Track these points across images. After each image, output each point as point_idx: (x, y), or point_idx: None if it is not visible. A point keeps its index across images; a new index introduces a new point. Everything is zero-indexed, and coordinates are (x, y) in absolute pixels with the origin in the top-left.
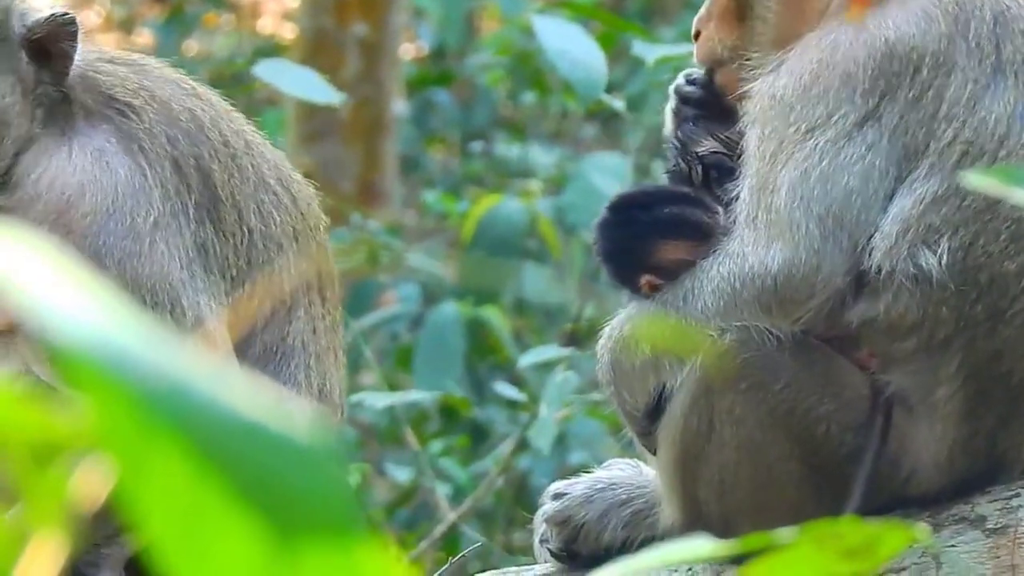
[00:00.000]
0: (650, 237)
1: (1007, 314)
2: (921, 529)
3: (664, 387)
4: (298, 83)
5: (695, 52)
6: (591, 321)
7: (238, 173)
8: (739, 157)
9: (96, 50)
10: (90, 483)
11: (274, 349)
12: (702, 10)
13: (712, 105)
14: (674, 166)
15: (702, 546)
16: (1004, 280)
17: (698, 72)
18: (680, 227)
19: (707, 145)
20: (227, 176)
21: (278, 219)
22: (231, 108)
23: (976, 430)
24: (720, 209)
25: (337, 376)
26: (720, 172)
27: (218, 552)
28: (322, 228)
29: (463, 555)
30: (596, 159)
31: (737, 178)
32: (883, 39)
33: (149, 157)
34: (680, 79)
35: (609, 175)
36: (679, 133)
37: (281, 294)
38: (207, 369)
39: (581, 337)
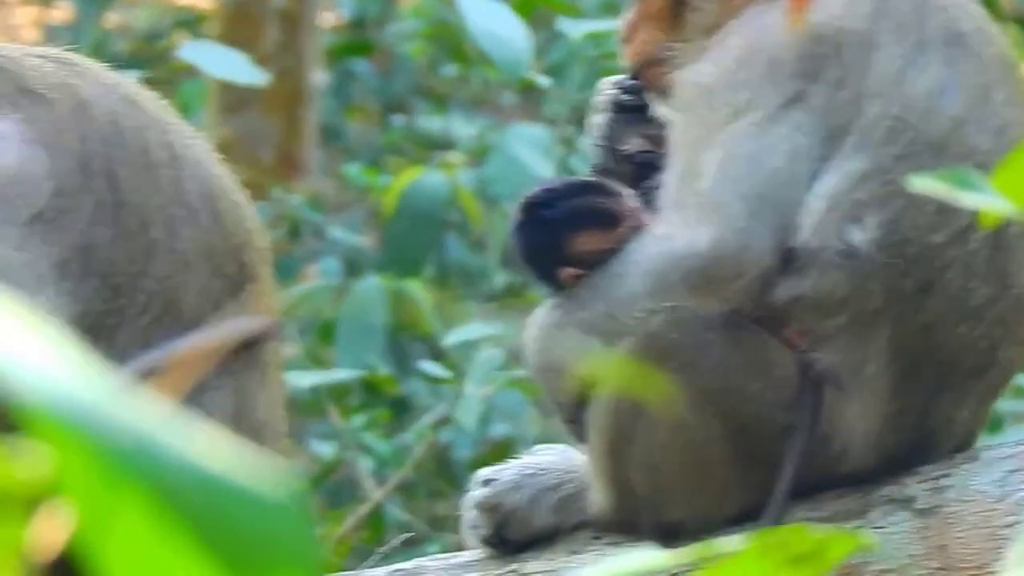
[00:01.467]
0: (561, 232)
1: (935, 286)
2: (869, 536)
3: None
4: (222, 64)
5: (626, 56)
6: (514, 291)
7: (150, 184)
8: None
9: (28, 48)
10: (49, 532)
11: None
12: (629, 12)
13: (645, 106)
14: (601, 165)
15: (651, 557)
16: (932, 252)
17: (631, 80)
18: (588, 217)
19: (636, 144)
20: (137, 184)
21: (188, 235)
22: (176, 121)
23: (906, 405)
24: (626, 192)
25: (265, 395)
26: (651, 171)
27: None
28: (253, 244)
29: (392, 545)
30: (518, 130)
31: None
32: (808, 21)
33: (52, 151)
34: (614, 90)
35: (531, 146)
36: (607, 132)
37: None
38: (170, 420)
39: (504, 309)
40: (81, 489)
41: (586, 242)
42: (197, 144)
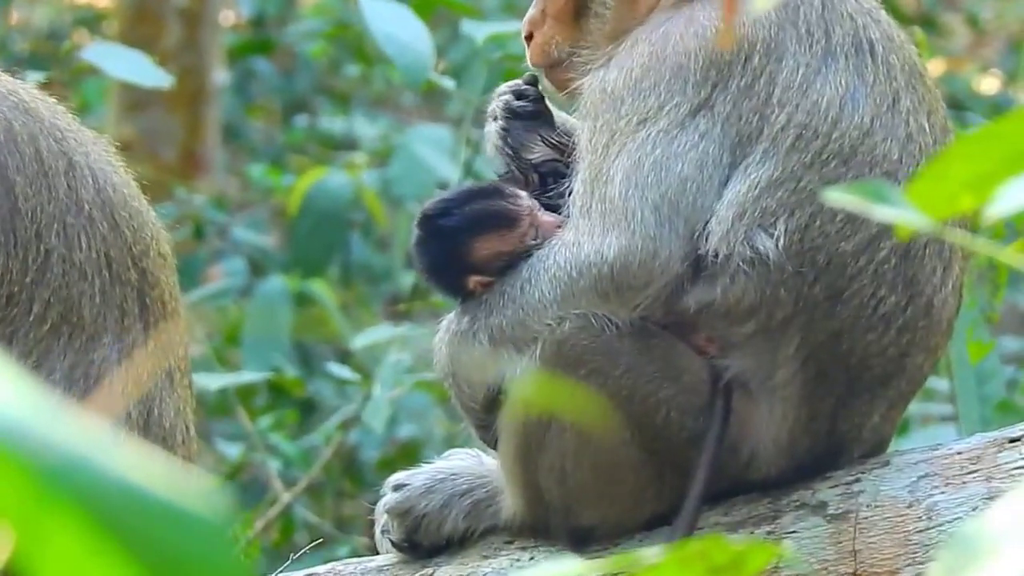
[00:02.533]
0: (460, 240)
1: (845, 294)
2: (786, 547)
3: (502, 380)
4: (126, 66)
5: (528, 55)
6: (419, 294)
7: (46, 191)
8: (572, 160)
9: None
10: None
11: (76, 377)
12: (532, 11)
13: (543, 111)
14: (507, 174)
15: (568, 566)
16: (842, 260)
17: (526, 85)
18: (485, 222)
19: (540, 152)
20: (31, 191)
21: (84, 244)
22: (74, 128)
23: (816, 411)
24: (522, 193)
25: (172, 401)
26: (556, 178)
27: None
28: (156, 250)
29: (304, 552)
30: (420, 131)
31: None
32: (713, 30)
33: None
34: (508, 96)
35: (433, 146)
36: (511, 140)
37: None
38: (101, 439)
39: (410, 311)
40: (15, 508)
41: (488, 246)
42: (96, 151)
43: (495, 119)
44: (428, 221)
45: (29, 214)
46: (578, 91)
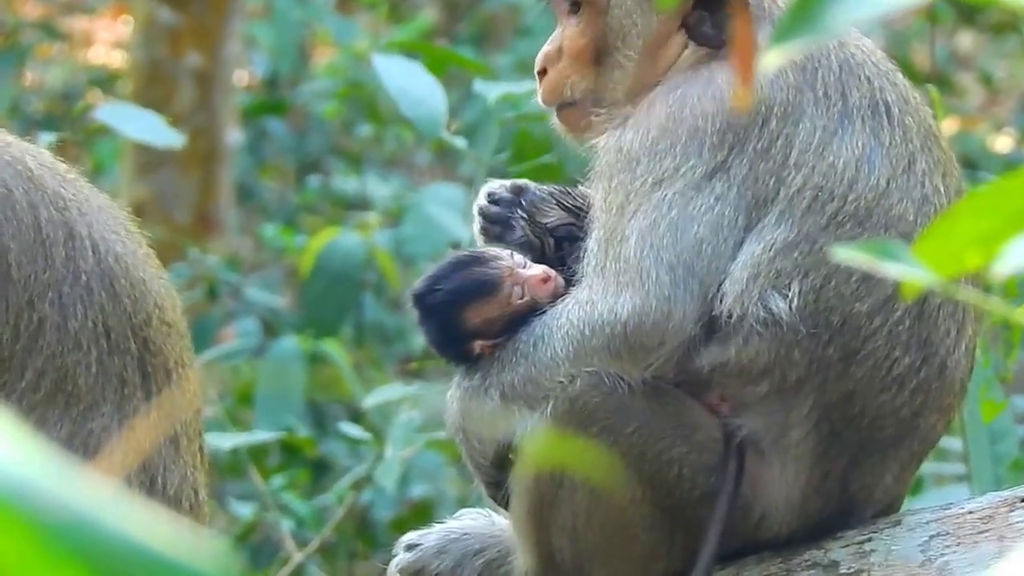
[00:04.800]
0: (451, 314)
1: (859, 355)
2: None
3: (513, 437)
4: (138, 126)
5: (540, 91)
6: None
7: (42, 260)
8: (587, 222)
9: None
10: None
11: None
12: (548, 46)
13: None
14: (522, 238)
15: None
16: (856, 321)
17: (500, 188)
18: (468, 292)
19: (555, 216)
20: (26, 259)
21: (80, 313)
22: (81, 197)
23: (828, 471)
24: (502, 254)
25: (180, 470)
26: (571, 241)
27: None
28: (161, 319)
29: None
30: (433, 190)
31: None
32: (731, 92)
33: None
34: (482, 199)
35: (446, 206)
36: (525, 204)
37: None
38: (108, 499)
39: (422, 370)
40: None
41: (478, 314)
42: (102, 219)
43: (478, 220)
44: (418, 301)
45: (22, 282)
46: (594, 149)
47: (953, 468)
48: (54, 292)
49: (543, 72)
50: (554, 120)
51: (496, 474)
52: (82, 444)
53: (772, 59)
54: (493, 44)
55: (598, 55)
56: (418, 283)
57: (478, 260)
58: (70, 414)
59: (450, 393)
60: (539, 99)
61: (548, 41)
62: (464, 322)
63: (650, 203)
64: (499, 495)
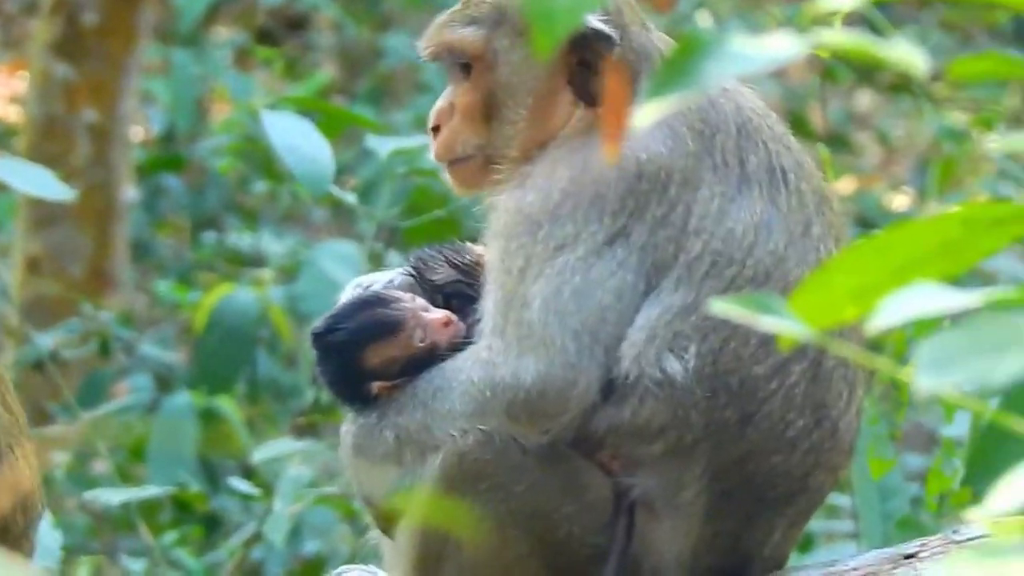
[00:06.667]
0: (351, 353)
1: (755, 417)
2: None
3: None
4: (30, 180)
5: (433, 148)
6: (324, 410)
7: None
8: (478, 282)
9: None
10: None
11: None
12: (442, 102)
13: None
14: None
15: None
16: (754, 383)
17: (398, 277)
18: (370, 332)
19: (443, 273)
20: None
21: None
22: None
23: (720, 530)
24: (405, 296)
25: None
26: (461, 300)
27: None
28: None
29: None
30: (328, 247)
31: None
32: (634, 159)
33: None
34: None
35: (341, 262)
36: (414, 262)
37: None
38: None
39: (315, 426)
40: None
41: (379, 354)
42: None
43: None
44: (318, 339)
45: None
46: (489, 205)
47: (844, 526)
48: None
49: (437, 128)
50: (446, 175)
51: (385, 512)
52: None
53: (646, 114)
54: (392, 100)
55: (489, 111)
56: (319, 321)
57: (381, 301)
58: None
59: (344, 428)
60: (432, 155)
61: (441, 97)
62: (364, 362)
63: (552, 268)
64: (389, 528)
